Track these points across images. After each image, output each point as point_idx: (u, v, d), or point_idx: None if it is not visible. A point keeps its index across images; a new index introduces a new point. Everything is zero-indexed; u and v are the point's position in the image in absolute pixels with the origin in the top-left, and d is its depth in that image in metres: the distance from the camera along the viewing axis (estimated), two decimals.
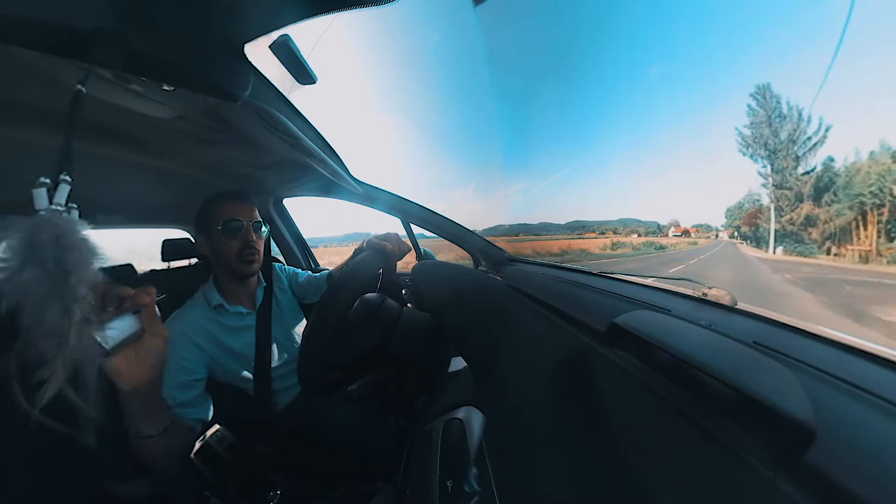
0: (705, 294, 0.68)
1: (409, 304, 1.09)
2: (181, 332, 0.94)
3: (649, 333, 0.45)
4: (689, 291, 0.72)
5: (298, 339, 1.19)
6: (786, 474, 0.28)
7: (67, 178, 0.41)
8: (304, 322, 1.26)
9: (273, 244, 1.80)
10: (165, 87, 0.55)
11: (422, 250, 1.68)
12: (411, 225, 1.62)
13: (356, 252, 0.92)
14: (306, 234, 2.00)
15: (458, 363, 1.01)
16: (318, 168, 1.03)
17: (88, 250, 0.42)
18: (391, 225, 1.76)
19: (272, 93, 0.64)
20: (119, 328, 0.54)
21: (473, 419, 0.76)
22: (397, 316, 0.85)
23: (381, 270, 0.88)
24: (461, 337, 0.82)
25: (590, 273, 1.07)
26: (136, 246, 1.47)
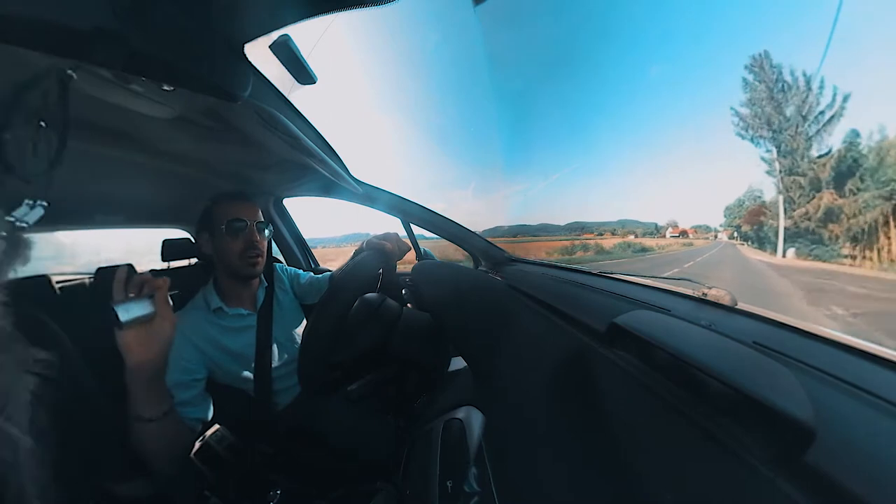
0: (705, 294, 0.68)
1: (409, 304, 1.09)
2: (181, 333, 0.94)
3: (649, 333, 0.45)
4: (689, 291, 0.72)
5: (299, 339, 1.19)
6: (786, 474, 0.28)
7: None
8: (304, 322, 1.26)
9: (273, 244, 1.80)
10: (165, 87, 0.55)
11: (422, 250, 1.68)
12: (411, 225, 1.62)
13: (356, 252, 0.92)
14: (305, 234, 2.00)
15: (458, 363, 1.01)
16: (318, 168, 1.03)
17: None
18: (391, 225, 1.76)
19: (272, 93, 0.64)
20: (135, 308, 0.63)
21: (473, 419, 0.76)
22: (397, 316, 0.85)
23: (381, 270, 0.88)
24: (461, 337, 0.82)
25: (590, 273, 1.07)
26: (133, 246, 1.47)
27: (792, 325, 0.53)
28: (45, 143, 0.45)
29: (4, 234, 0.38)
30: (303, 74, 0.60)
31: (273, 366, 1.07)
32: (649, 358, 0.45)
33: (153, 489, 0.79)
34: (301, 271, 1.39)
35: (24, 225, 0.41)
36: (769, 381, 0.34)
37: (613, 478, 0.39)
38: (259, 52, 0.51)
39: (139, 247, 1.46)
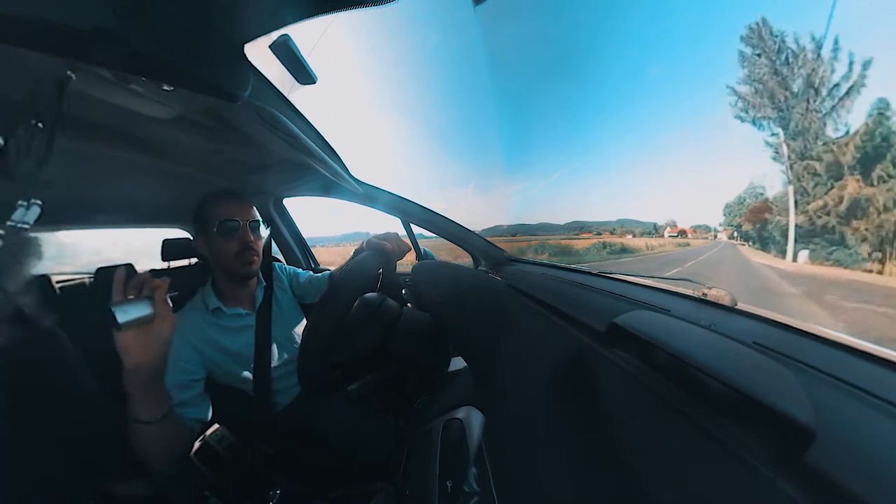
0: (705, 294, 0.68)
1: (409, 304, 1.09)
2: (179, 334, 0.94)
3: (649, 333, 0.45)
4: (689, 292, 0.72)
5: (298, 339, 1.19)
6: (786, 474, 0.28)
7: None
8: (304, 322, 1.26)
9: (273, 244, 1.80)
10: (165, 87, 0.55)
11: (422, 250, 1.68)
12: (411, 225, 1.62)
13: (356, 252, 0.92)
14: (305, 233, 2.00)
15: (458, 363, 1.01)
16: (318, 168, 1.03)
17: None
18: (391, 225, 1.77)
19: (272, 93, 0.64)
20: (133, 309, 0.62)
21: (473, 419, 0.76)
22: (397, 316, 0.85)
23: (381, 270, 0.88)
24: (461, 337, 0.82)
25: (590, 273, 1.07)
26: (133, 246, 1.47)
27: (792, 325, 0.53)
28: (38, 143, 0.45)
29: (2, 232, 0.38)
30: (303, 74, 0.60)
31: (272, 365, 1.07)
32: (649, 358, 0.45)
33: (153, 489, 0.79)
34: (300, 270, 1.39)
35: (26, 226, 0.41)
36: (769, 382, 0.34)
37: (613, 478, 0.39)
38: (259, 52, 0.51)
39: (139, 247, 1.46)
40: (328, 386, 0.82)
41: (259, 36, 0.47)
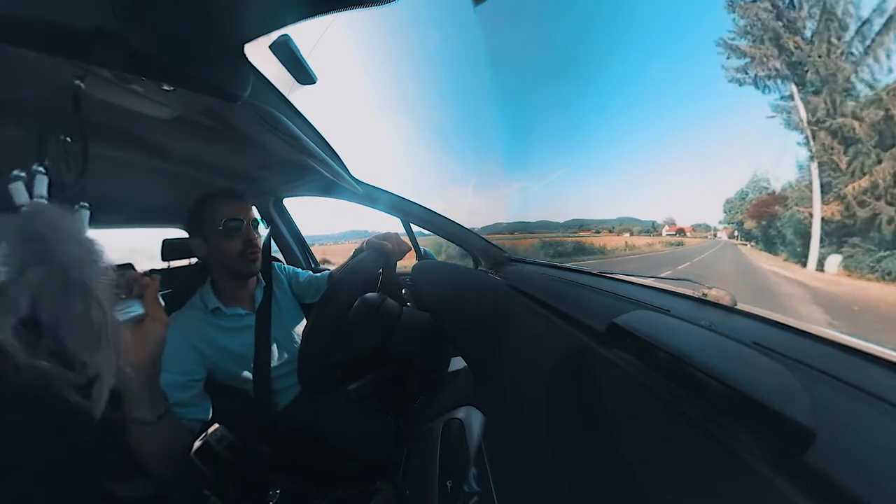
0: (705, 294, 0.68)
1: (408, 304, 1.09)
2: (178, 334, 0.93)
3: (649, 333, 0.45)
4: (688, 291, 0.72)
5: (298, 338, 1.19)
6: (786, 474, 0.28)
7: (42, 168, 0.43)
8: (303, 322, 1.26)
9: (273, 244, 1.80)
10: (165, 87, 0.55)
11: (422, 250, 1.68)
12: (411, 225, 1.62)
13: (356, 252, 0.92)
14: (303, 231, 2.00)
15: (458, 363, 1.01)
16: (318, 168, 1.03)
17: (86, 240, 0.43)
18: (391, 224, 1.77)
19: (272, 93, 0.64)
20: (122, 309, 0.59)
21: (473, 419, 0.76)
22: (397, 316, 0.85)
23: (381, 270, 0.88)
24: (461, 337, 0.82)
25: (590, 273, 1.07)
26: (133, 246, 1.47)
27: (792, 325, 0.53)
28: (73, 155, 0.48)
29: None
30: (303, 74, 0.60)
31: (272, 365, 1.07)
32: (649, 358, 0.45)
33: (153, 489, 0.78)
34: (300, 270, 1.39)
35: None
36: (769, 382, 0.34)
37: (613, 478, 0.39)
38: (259, 52, 0.51)
39: (139, 247, 1.46)
40: (328, 386, 0.82)
41: (259, 36, 0.47)
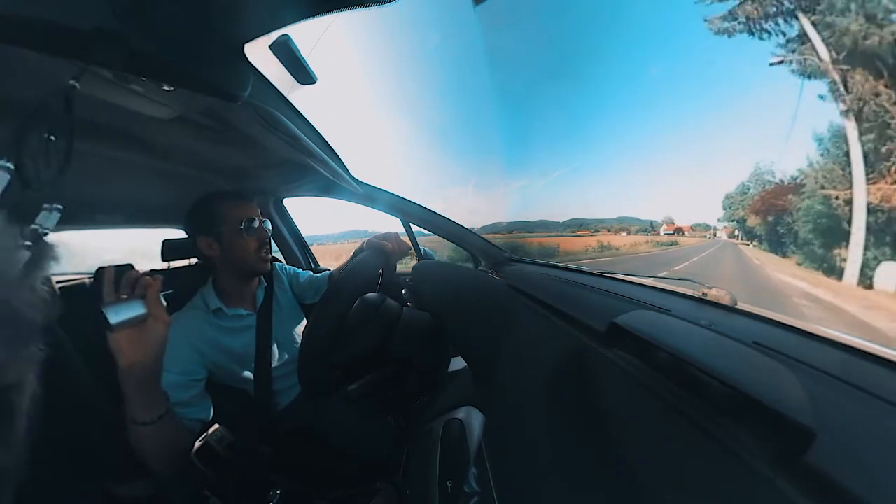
0: (705, 294, 0.68)
1: (409, 304, 1.09)
2: (179, 335, 0.93)
3: (649, 333, 0.45)
4: (689, 291, 0.72)
5: (299, 339, 1.19)
6: (786, 474, 0.28)
7: (9, 164, 0.39)
8: (304, 322, 1.26)
9: (273, 244, 1.80)
10: (165, 87, 0.55)
11: (422, 250, 1.68)
12: (411, 225, 1.62)
13: (356, 252, 0.92)
14: (303, 231, 2.00)
15: (458, 363, 1.01)
16: (318, 168, 1.03)
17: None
18: (391, 224, 1.77)
19: (272, 93, 0.64)
20: (125, 309, 0.61)
21: (473, 419, 0.76)
22: (397, 316, 0.85)
23: (381, 270, 0.88)
24: (461, 337, 0.82)
25: (590, 273, 1.07)
26: (133, 246, 1.47)
27: (792, 325, 0.53)
28: (54, 153, 0.47)
29: (30, 242, 0.38)
30: (303, 74, 0.60)
31: (273, 366, 1.07)
32: (649, 358, 0.45)
33: (153, 489, 0.79)
34: (300, 270, 1.39)
35: (47, 231, 0.42)
36: (769, 381, 0.34)
37: (613, 477, 0.39)
38: (259, 52, 0.51)
39: (139, 247, 1.46)
40: (328, 386, 0.82)
41: (259, 36, 0.47)
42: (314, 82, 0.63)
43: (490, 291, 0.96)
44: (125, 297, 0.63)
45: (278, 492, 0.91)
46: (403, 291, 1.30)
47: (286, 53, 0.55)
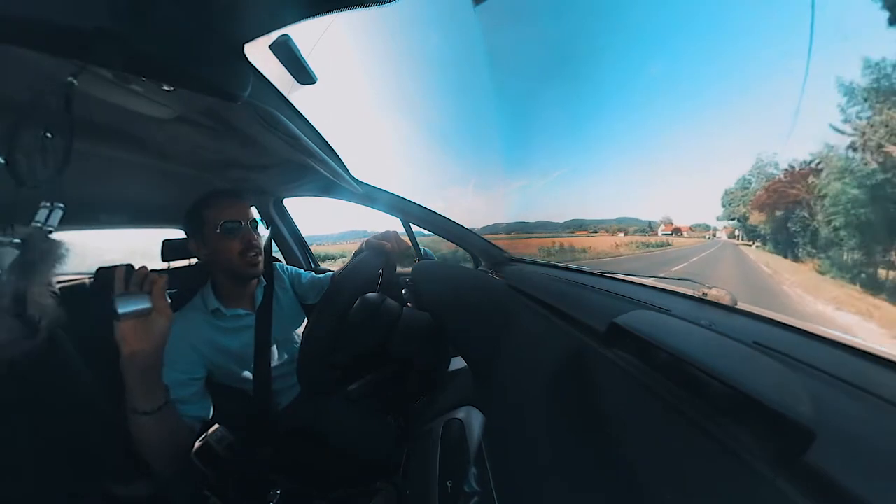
0: (705, 294, 0.68)
1: (409, 304, 1.09)
2: (179, 334, 0.93)
3: (649, 333, 0.45)
4: (689, 291, 0.72)
5: (299, 339, 1.19)
6: (786, 474, 0.28)
7: (1, 160, 0.41)
8: (305, 322, 1.26)
9: (273, 244, 1.80)
10: (165, 87, 0.55)
11: (422, 250, 1.68)
12: (411, 225, 1.62)
13: (356, 252, 0.92)
14: (303, 231, 2.00)
15: (458, 363, 1.01)
16: (318, 168, 1.03)
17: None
18: (391, 224, 1.77)
19: (272, 93, 0.64)
20: (132, 302, 0.66)
21: (473, 419, 0.76)
22: (397, 316, 0.85)
23: (381, 270, 0.88)
24: (461, 337, 0.82)
25: (590, 273, 1.07)
26: (133, 246, 1.47)
27: (792, 325, 0.53)
28: (52, 151, 0.47)
29: (20, 239, 0.39)
30: (303, 74, 0.60)
31: (273, 365, 1.07)
32: (649, 358, 0.45)
33: (153, 489, 0.79)
34: (302, 271, 1.39)
35: (51, 229, 0.43)
36: (769, 381, 0.34)
37: (613, 477, 0.39)
38: (259, 52, 0.51)
39: (139, 247, 1.46)
40: (328, 386, 0.82)
41: (259, 36, 0.47)
42: (314, 82, 0.63)
43: (490, 291, 0.96)
44: (133, 291, 0.68)
45: (278, 492, 0.91)
46: (403, 291, 1.30)
47: (286, 53, 0.55)
